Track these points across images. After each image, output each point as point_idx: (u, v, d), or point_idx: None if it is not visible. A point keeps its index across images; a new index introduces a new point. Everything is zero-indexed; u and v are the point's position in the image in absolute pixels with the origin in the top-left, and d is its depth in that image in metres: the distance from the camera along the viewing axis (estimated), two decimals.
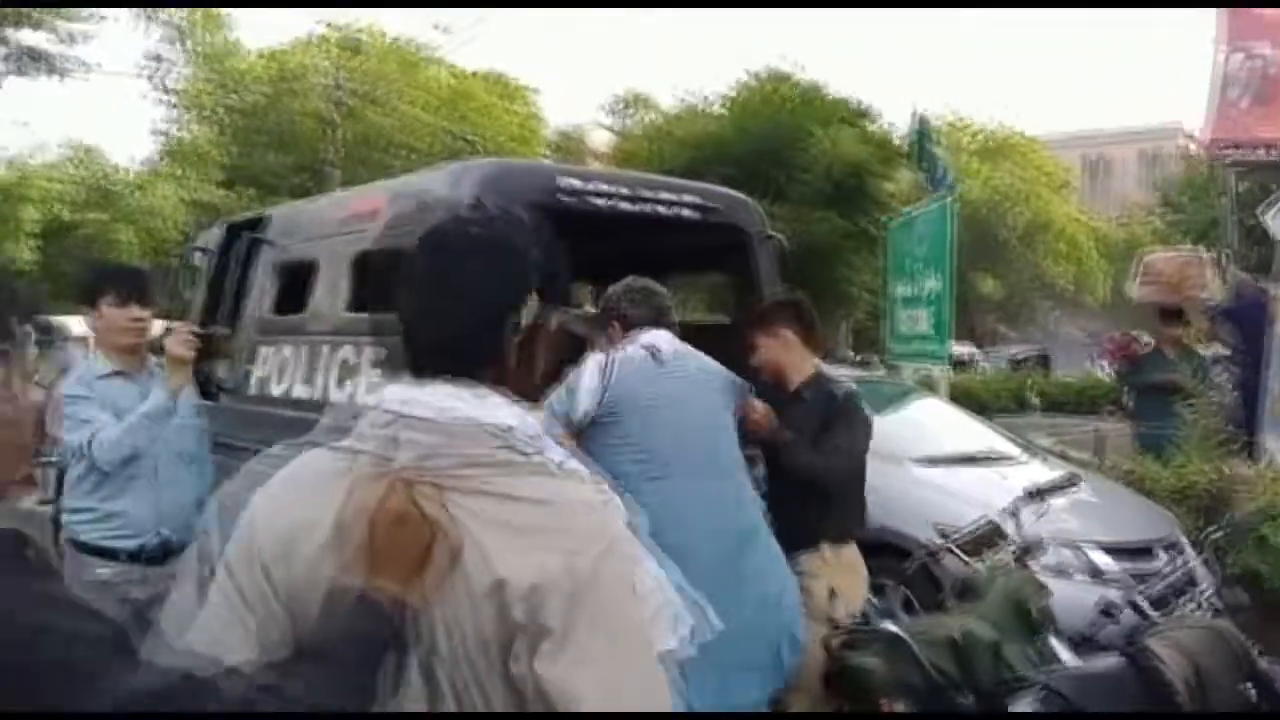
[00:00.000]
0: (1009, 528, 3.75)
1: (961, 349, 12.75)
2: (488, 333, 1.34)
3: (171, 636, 1.31)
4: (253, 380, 4.19)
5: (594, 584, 1.19)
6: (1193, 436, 6.59)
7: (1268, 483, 5.78)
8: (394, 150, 29.21)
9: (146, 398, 3.08)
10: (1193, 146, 24.24)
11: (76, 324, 13.17)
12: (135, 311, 3.16)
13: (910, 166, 17.32)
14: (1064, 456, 7.44)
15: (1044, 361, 20.81)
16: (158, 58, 25.53)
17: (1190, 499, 5.96)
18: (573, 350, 2.99)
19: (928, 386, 8.67)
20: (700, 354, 3.12)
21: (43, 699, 0.92)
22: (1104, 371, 18.59)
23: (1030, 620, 3.24)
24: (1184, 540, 5.11)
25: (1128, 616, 3.44)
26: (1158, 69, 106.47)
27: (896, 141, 19.52)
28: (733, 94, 21.16)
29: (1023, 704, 2.77)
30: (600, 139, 33.09)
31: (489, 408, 1.29)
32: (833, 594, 3.43)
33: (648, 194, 3.80)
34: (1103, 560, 4.81)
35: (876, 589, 4.91)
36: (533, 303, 1.36)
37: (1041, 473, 5.34)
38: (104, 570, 3.12)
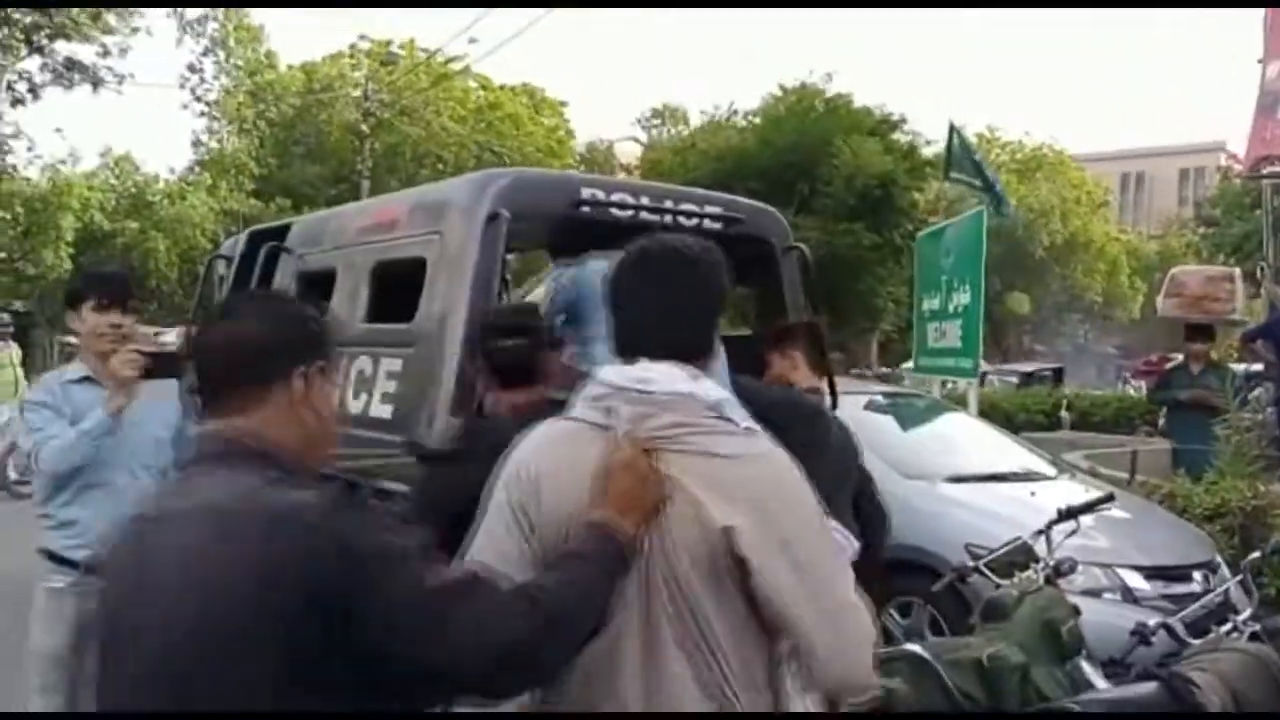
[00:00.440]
0: (1040, 548, 3.66)
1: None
2: (700, 328, 1.72)
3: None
4: None
5: (780, 522, 1.56)
6: (1226, 454, 6.45)
7: None
8: (423, 161, 29.48)
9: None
10: (1235, 164, 23.97)
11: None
12: (115, 317, 3.10)
13: (937, 176, 17.23)
14: (1095, 474, 7.31)
15: (1057, 376, 20.36)
16: (191, 68, 25.89)
17: (1224, 518, 5.83)
18: None
19: (957, 401, 8.57)
20: None
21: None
22: (1136, 390, 18.33)
23: (1060, 643, 3.15)
24: (1221, 563, 4.99)
25: (1162, 640, 3.33)
26: (1203, 86, 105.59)
27: (925, 153, 19.38)
28: (760, 106, 21.11)
29: None
30: (629, 151, 33.20)
31: (701, 385, 1.64)
32: None
33: (671, 205, 3.76)
34: (1136, 582, 4.69)
35: (904, 608, 4.84)
36: None
37: (1074, 491, 5.23)
38: (59, 579, 3.07)
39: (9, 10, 18.89)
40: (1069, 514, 3.76)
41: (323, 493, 1.41)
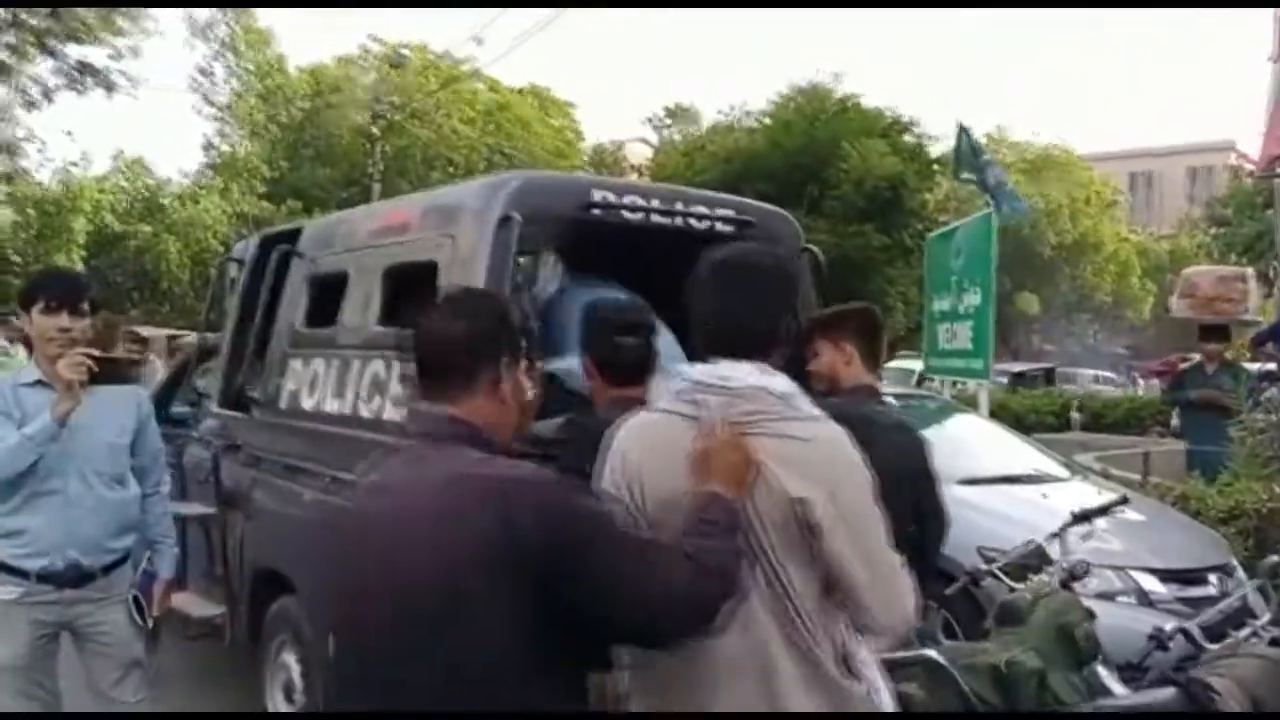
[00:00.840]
0: (1054, 551, 3.63)
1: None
2: (773, 330, 1.96)
3: None
4: (284, 394, 4.17)
5: (844, 495, 1.82)
6: (1240, 456, 6.42)
7: None
8: (434, 163, 29.52)
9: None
10: (1245, 163, 23.85)
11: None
12: (64, 320, 3.00)
13: (947, 176, 17.19)
14: (1107, 476, 7.27)
15: (1048, 377, 20.18)
16: (202, 71, 25.97)
17: (1238, 520, 5.79)
18: None
19: (967, 402, 8.53)
20: None
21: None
22: (1140, 390, 18.23)
23: (1076, 647, 3.12)
24: (1236, 565, 4.96)
25: (1179, 645, 3.30)
26: (1210, 85, 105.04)
27: (933, 152, 19.34)
28: (770, 108, 21.08)
29: None
30: (639, 152, 33.20)
31: (770, 379, 1.90)
32: None
33: (682, 207, 3.74)
34: (1151, 585, 4.67)
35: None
36: None
37: (1087, 493, 5.21)
38: (8, 590, 2.99)
39: (21, 13, 18.98)
40: (1083, 517, 3.74)
41: (538, 467, 1.73)
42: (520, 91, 33.66)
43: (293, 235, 4.61)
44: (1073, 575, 3.55)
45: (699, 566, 1.69)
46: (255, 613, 4.19)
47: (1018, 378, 18.62)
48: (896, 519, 1.97)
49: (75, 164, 24.50)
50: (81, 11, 19.24)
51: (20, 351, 10.87)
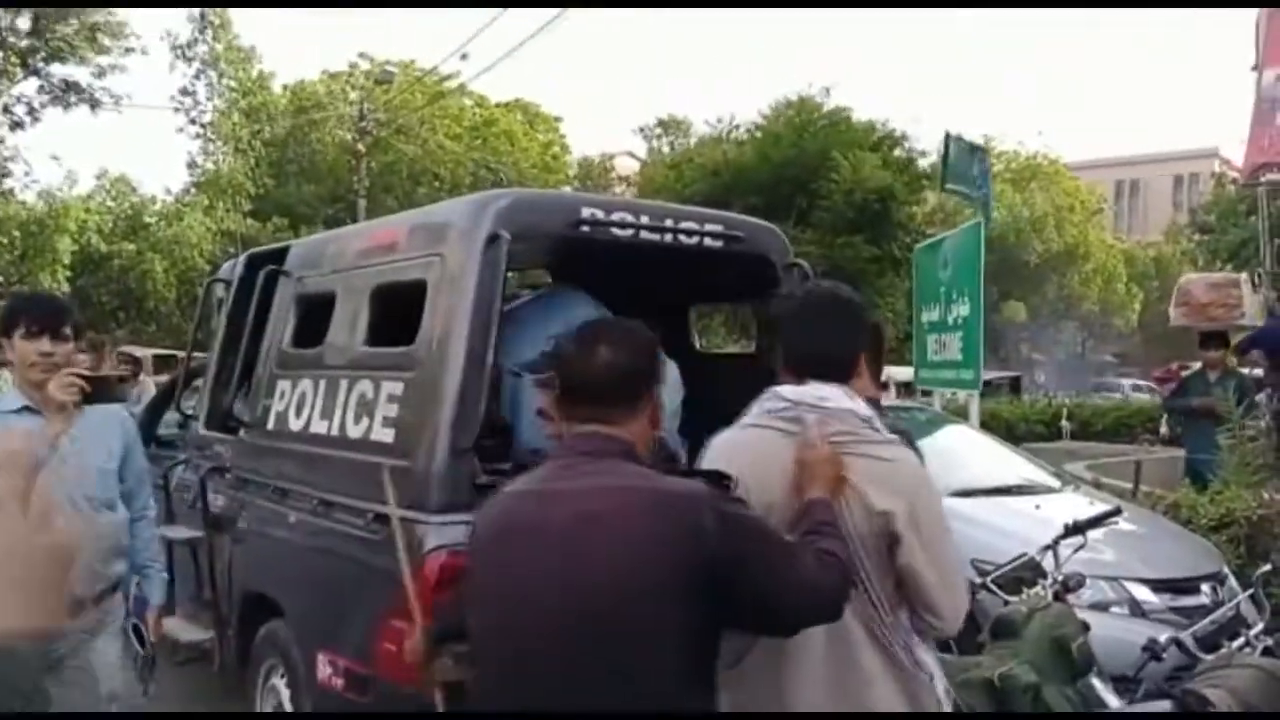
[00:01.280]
0: (1047, 563, 3.63)
1: (900, 372, 12.48)
2: (855, 358, 2.26)
3: None
4: (271, 415, 4.14)
5: (919, 509, 2.06)
6: (1230, 463, 6.43)
7: None
8: (420, 179, 29.52)
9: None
10: (1229, 171, 24.00)
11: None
12: (45, 345, 2.92)
13: (935, 189, 17.24)
14: (1098, 485, 7.29)
15: (1014, 385, 20.21)
16: (184, 91, 25.91)
17: (1230, 528, 5.80)
18: None
19: (958, 413, 8.54)
20: None
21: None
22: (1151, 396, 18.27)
23: (1071, 660, 3.12)
24: (1228, 573, 4.96)
25: (1173, 655, 3.30)
26: (1194, 93, 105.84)
27: (922, 165, 19.41)
28: (759, 121, 21.13)
29: None
30: (629, 166, 33.24)
31: (855, 402, 2.17)
32: None
33: (671, 224, 3.73)
34: (1144, 595, 4.67)
35: None
36: None
37: (1079, 503, 5.21)
38: None
39: (4, 34, 18.94)
40: (1076, 529, 3.74)
41: (692, 480, 1.94)
42: (506, 106, 33.73)
43: (280, 255, 4.58)
44: (1066, 587, 3.55)
45: (825, 562, 1.90)
46: (244, 637, 4.14)
47: (984, 385, 18.64)
48: None
49: (60, 189, 24.41)
50: (64, 30, 19.21)
51: (7, 377, 10.78)
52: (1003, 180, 38.51)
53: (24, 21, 19.60)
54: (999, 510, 5.26)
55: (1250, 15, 9.38)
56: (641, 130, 27.67)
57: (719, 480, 1.98)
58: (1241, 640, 3.23)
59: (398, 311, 3.54)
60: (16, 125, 20.77)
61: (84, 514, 2.99)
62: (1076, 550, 3.68)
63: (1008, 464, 6.25)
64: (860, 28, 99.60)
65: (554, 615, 1.79)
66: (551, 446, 2.76)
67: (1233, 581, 4.81)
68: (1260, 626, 3.32)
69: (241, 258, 5.13)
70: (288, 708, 3.85)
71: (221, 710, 4.57)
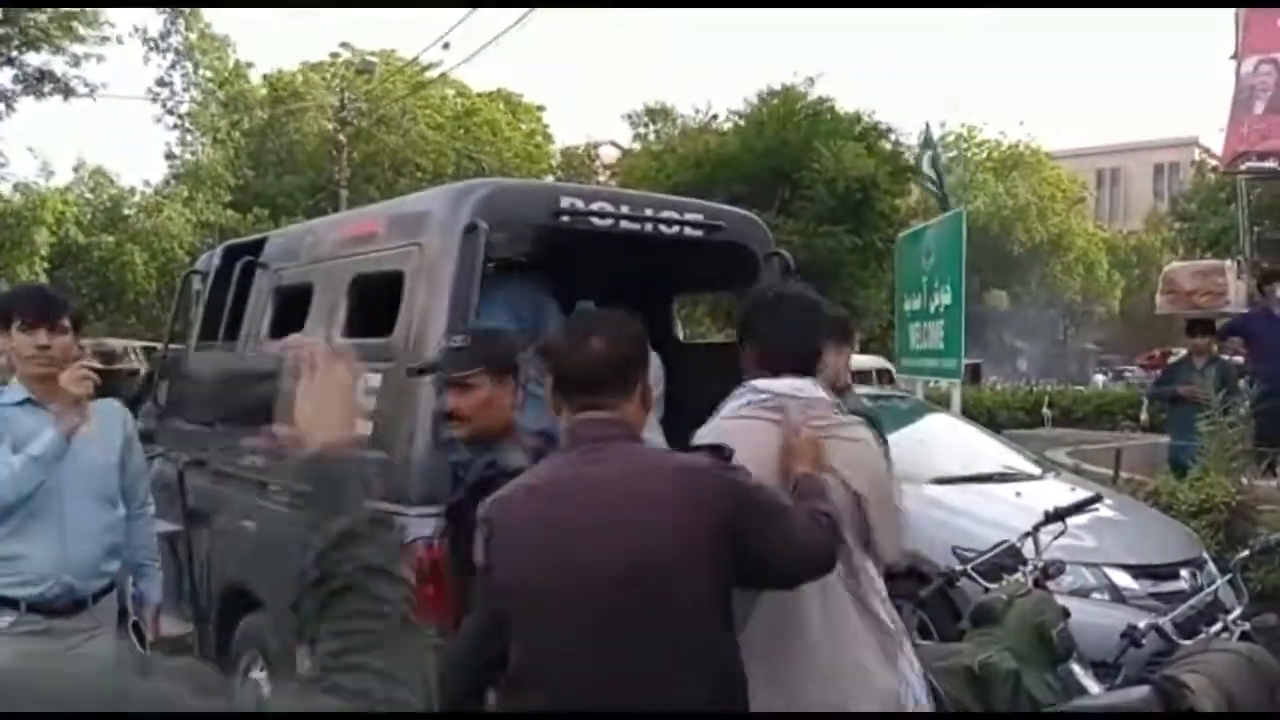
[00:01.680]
0: (1028, 550, 3.64)
1: (871, 361, 12.54)
2: (821, 353, 2.56)
3: None
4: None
5: (876, 477, 2.43)
6: (1210, 449, 6.48)
7: None
8: (402, 170, 29.36)
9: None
10: (1209, 159, 24.15)
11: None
12: (42, 338, 2.86)
13: (918, 182, 17.27)
14: (1079, 472, 7.32)
15: (975, 374, 20.21)
16: (160, 82, 25.64)
17: (1209, 514, 5.84)
18: None
19: (939, 401, 8.57)
20: None
21: None
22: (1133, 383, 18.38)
23: (1051, 647, 3.13)
24: (1208, 559, 4.99)
25: (1152, 641, 3.31)
26: (1173, 81, 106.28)
27: (906, 156, 19.43)
28: (743, 110, 21.09)
29: None
30: (612, 156, 33.13)
31: (823, 392, 2.47)
32: None
33: (651, 213, 3.72)
34: (1124, 581, 4.69)
35: None
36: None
37: (1059, 490, 5.24)
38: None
39: None
40: (1056, 516, 3.74)
41: (699, 454, 2.13)
42: (489, 96, 33.56)
43: (257, 246, 4.54)
44: (1046, 574, 3.56)
45: (819, 522, 2.12)
46: (224, 629, 4.12)
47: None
48: None
49: (43, 181, 24.17)
50: (38, 17, 18.97)
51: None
52: (985, 169, 38.65)
53: None
54: (980, 498, 5.28)
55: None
56: (629, 117, 27.41)
57: (718, 454, 2.12)
58: (1219, 625, 3.25)
59: (376, 302, 3.52)
60: None
61: (90, 512, 2.94)
62: (1056, 537, 3.69)
63: (989, 451, 6.27)
64: (843, 19, 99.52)
65: (608, 589, 1.94)
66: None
67: (1212, 567, 4.84)
68: (1238, 612, 3.34)
69: (218, 249, 5.09)
70: (268, 699, 3.82)
71: None
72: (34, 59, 19.90)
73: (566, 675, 1.97)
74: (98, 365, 2.92)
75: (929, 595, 3.78)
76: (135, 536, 3.17)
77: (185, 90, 26.14)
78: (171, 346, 5.38)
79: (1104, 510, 4.74)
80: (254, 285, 4.34)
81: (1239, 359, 8.32)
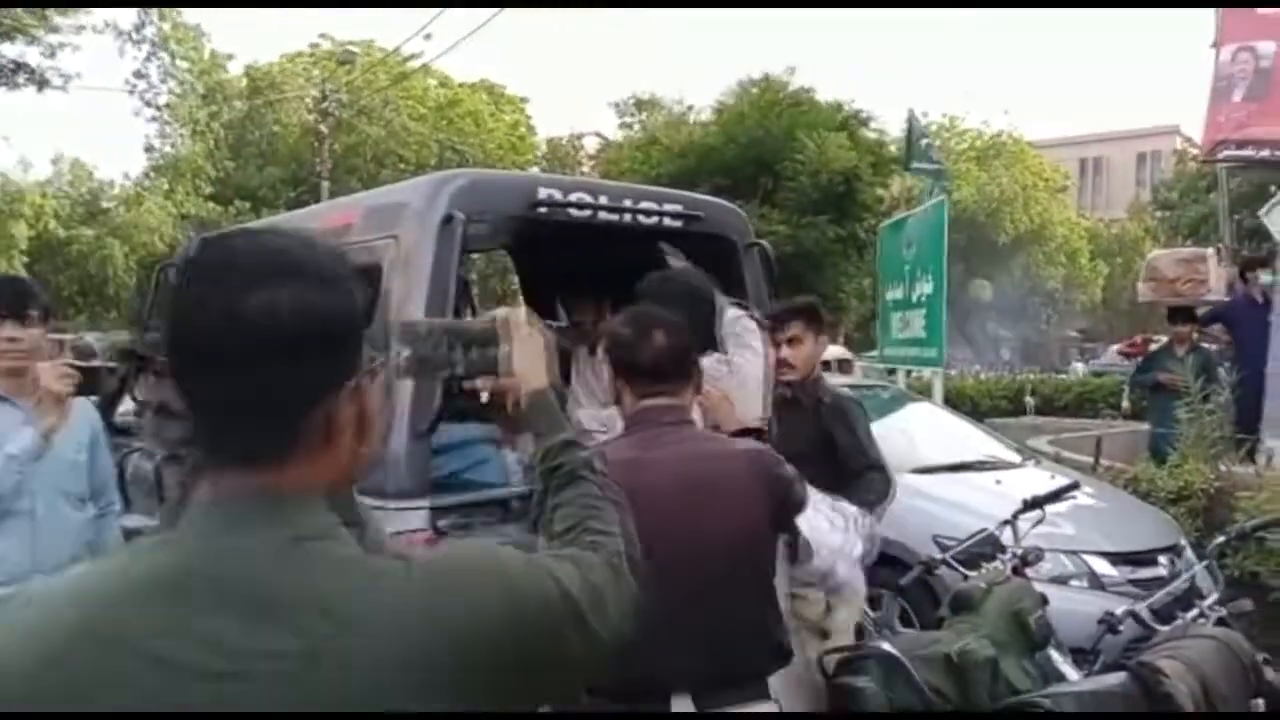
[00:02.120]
0: (1006, 538, 3.66)
1: (831, 350, 12.55)
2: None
3: None
4: None
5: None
6: (1189, 436, 6.52)
7: (1266, 484, 5.70)
8: (384, 161, 29.21)
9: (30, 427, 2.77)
10: (1191, 149, 24.28)
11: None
12: (9, 330, 2.79)
13: (901, 173, 17.29)
14: (1059, 460, 7.37)
15: None
16: (138, 74, 25.42)
17: (1188, 500, 5.89)
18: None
19: (921, 391, 8.59)
20: None
21: None
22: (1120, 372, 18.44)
23: (1029, 634, 3.14)
24: (1186, 545, 5.03)
25: (1130, 627, 3.34)
26: (1155, 70, 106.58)
27: (889, 146, 19.44)
28: (723, 101, 21.07)
29: None
30: (597, 147, 33.04)
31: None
32: (829, 606, 3.33)
33: (630, 204, 3.70)
34: (1103, 568, 4.73)
35: (873, 601, 4.84)
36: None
37: (1039, 478, 5.27)
38: None
39: None
40: (1034, 504, 3.76)
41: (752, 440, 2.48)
42: (471, 87, 33.42)
43: None
44: (1025, 561, 3.58)
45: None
46: None
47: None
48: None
49: (21, 173, 23.95)
50: (13, 9, 18.75)
51: None
52: (967, 159, 38.72)
53: None
54: (960, 486, 5.30)
55: None
56: (616, 106, 27.30)
57: (760, 438, 2.43)
58: (1196, 611, 3.27)
59: None
60: None
61: (62, 511, 2.89)
62: (1035, 525, 3.71)
63: (970, 440, 6.30)
64: (824, 18, 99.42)
65: (705, 554, 2.13)
66: None
67: (1190, 553, 4.88)
68: (1214, 597, 3.36)
69: (195, 242, 5.04)
70: None
71: None
72: (9, 50, 19.66)
73: (665, 642, 1.97)
74: (78, 363, 2.85)
75: (909, 583, 3.81)
76: (102, 535, 3.13)
77: (163, 81, 25.95)
78: (147, 339, 5.33)
79: (1083, 498, 4.76)
80: None
81: (1216, 345, 8.37)
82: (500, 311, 1.65)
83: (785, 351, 3.56)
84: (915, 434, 6.06)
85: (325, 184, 24.41)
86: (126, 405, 5.13)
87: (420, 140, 30.03)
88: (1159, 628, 3.21)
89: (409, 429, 3.09)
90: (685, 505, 2.13)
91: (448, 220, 3.21)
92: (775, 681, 2.27)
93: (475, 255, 9.62)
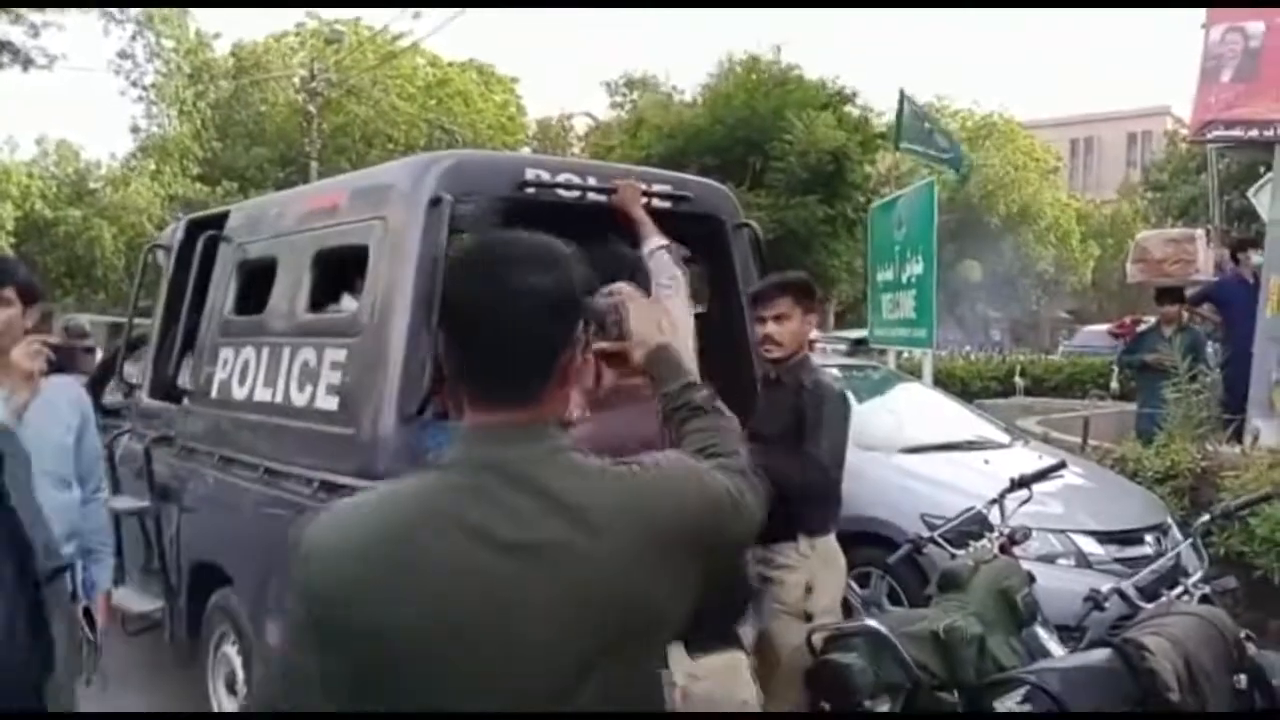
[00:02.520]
0: (994, 517, 3.68)
1: None
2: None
3: None
4: (215, 383, 4.07)
5: None
6: (1175, 416, 6.56)
7: (1252, 463, 5.74)
8: (373, 141, 29.06)
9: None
10: (1181, 129, 24.27)
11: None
12: None
13: (889, 149, 17.26)
14: (1048, 440, 7.40)
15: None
16: (122, 54, 25.18)
17: (1174, 480, 5.92)
18: None
19: (911, 371, 8.62)
20: None
21: None
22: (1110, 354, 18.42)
23: (1016, 611, 3.17)
24: (1172, 524, 5.07)
25: (1115, 605, 3.37)
26: (1149, 51, 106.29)
27: (877, 125, 19.41)
28: (709, 81, 21.00)
29: (1009, 703, 2.69)
30: (587, 127, 32.91)
31: None
32: (809, 588, 3.35)
33: (619, 184, 3.69)
34: (1090, 546, 4.76)
35: (862, 579, 4.88)
36: None
37: (1028, 458, 5.29)
38: None
39: None
40: (1021, 483, 3.78)
41: None
42: (461, 66, 33.22)
43: (220, 220, 4.49)
44: (1012, 540, 3.60)
45: None
46: (194, 606, 4.11)
47: (857, 344, 18.17)
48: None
49: (7, 153, 23.74)
50: None
51: None
52: (959, 140, 38.66)
53: None
54: (948, 466, 5.32)
55: None
56: (608, 85, 27.16)
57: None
58: (1180, 589, 3.30)
59: (341, 276, 3.49)
60: None
61: (45, 493, 2.87)
62: (1022, 504, 3.73)
63: (959, 420, 6.32)
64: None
65: None
66: None
67: (1176, 532, 4.92)
68: (1198, 575, 3.39)
69: (181, 223, 5.02)
70: (239, 675, 3.83)
71: (173, 680, 4.53)
72: None
73: None
74: (55, 341, 2.81)
75: (897, 561, 3.83)
76: (89, 520, 3.10)
77: (149, 61, 25.72)
78: (136, 321, 5.32)
79: (1070, 477, 4.79)
80: (218, 259, 4.29)
81: (1207, 325, 8.41)
82: (616, 286, 2.01)
83: (770, 328, 3.39)
84: (905, 414, 6.07)
85: (314, 164, 24.28)
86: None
87: (409, 120, 29.85)
88: (1144, 605, 3.23)
89: (397, 410, 3.09)
90: None
91: (435, 202, 3.20)
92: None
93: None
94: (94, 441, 3.16)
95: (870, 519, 4.73)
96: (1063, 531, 4.77)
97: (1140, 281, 9.66)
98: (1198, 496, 5.75)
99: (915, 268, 7.91)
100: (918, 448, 5.50)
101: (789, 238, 16.27)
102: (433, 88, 31.56)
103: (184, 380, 4.36)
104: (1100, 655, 2.84)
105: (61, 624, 2.97)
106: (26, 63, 19.93)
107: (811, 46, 50.08)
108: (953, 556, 3.51)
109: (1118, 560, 4.68)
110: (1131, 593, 3.31)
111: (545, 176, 3.50)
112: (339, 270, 3.54)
